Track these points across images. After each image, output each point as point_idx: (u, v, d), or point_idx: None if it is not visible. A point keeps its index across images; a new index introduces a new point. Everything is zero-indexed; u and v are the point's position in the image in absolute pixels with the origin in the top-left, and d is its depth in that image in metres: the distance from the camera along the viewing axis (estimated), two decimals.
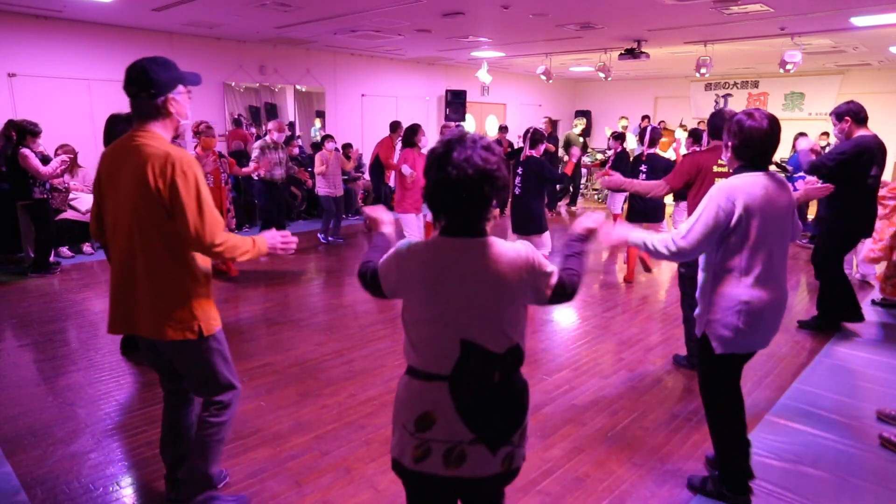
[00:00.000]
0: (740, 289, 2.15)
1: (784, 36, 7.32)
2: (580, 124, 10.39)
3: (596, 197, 11.53)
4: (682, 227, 2.18)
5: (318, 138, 9.73)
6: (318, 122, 9.95)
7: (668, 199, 6.19)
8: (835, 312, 4.37)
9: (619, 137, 6.81)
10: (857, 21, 6.38)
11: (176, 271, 1.98)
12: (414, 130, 5.80)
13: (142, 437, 2.84)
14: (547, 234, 5.01)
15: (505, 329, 1.43)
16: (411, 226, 5.68)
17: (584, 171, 10.78)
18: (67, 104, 7.08)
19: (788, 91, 11.45)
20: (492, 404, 1.43)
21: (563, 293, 1.51)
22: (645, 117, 11.48)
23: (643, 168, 5.45)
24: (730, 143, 2.21)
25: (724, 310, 2.18)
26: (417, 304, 1.45)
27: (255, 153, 6.39)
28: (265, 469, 2.58)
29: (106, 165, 2.02)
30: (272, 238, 2.12)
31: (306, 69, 9.59)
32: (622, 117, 10.97)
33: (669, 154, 8.14)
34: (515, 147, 8.30)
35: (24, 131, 5.44)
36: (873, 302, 5.02)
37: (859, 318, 4.35)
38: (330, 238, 7.55)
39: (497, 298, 1.40)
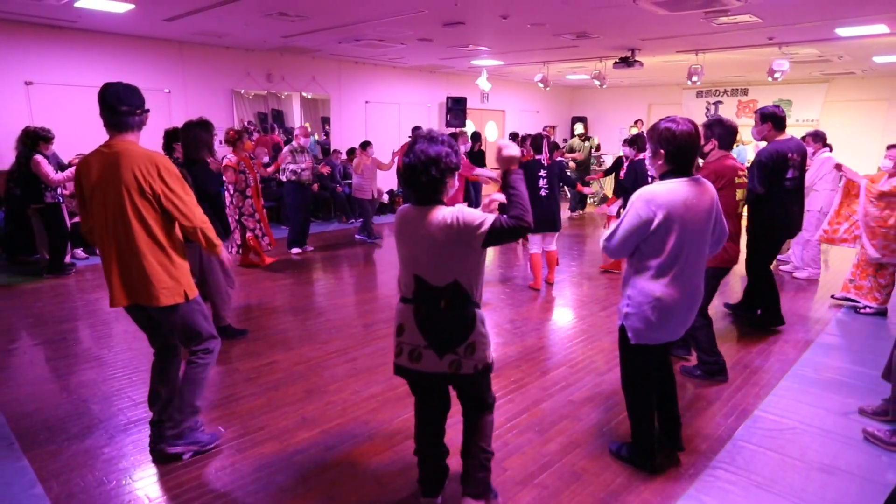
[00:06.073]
0: (654, 286, 2.29)
1: (772, 45, 7.46)
2: (580, 128, 10.69)
3: (592, 201, 11.64)
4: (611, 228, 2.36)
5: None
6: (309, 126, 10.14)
7: None
8: (758, 307, 4.59)
9: (633, 144, 6.77)
10: (842, 32, 6.52)
11: (165, 249, 2.45)
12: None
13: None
14: (557, 234, 5.53)
15: (445, 269, 1.96)
16: None
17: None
18: (82, 111, 7.14)
19: (776, 98, 11.61)
20: (438, 323, 2.00)
21: (502, 233, 1.89)
22: (638, 121, 11.61)
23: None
24: (662, 150, 2.27)
25: (638, 304, 2.32)
26: (398, 250, 2.08)
27: (286, 157, 6.77)
28: (272, 463, 2.64)
29: (93, 171, 2.39)
30: None
31: (312, 77, 9.73)
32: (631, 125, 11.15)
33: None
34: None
35: (37, 137, 5.58)
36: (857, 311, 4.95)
37: (779, 322, 4.50)
38: (362, 237, 8.13)
39: (435, 246, 1.94)
